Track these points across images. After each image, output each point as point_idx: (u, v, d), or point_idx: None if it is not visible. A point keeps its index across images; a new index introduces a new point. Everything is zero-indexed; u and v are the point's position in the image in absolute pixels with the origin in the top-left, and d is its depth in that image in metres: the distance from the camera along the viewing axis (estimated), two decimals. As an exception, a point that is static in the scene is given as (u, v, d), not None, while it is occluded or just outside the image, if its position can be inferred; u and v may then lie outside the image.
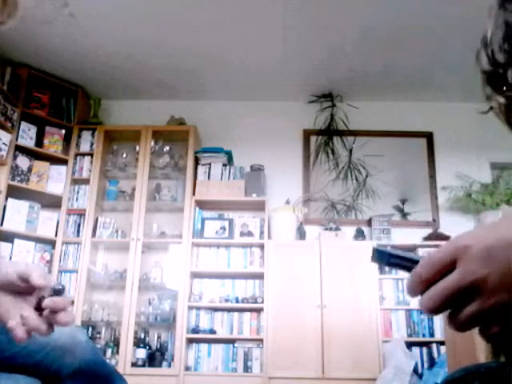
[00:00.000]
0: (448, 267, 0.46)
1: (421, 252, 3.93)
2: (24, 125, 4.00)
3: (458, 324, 0.46)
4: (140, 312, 3.86)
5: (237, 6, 3.38)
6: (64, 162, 4.15)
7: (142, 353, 3.71)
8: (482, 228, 0.46)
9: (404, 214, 4.33)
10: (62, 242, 3.96)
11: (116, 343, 3.78)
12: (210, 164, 4.22)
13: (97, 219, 4.08)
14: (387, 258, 0.53)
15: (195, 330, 3.79)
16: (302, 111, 4.58)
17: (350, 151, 4.49)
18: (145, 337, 3.81)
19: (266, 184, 4.27)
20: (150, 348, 3.79)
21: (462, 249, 0.45)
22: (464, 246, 0.45)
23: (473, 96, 4.51)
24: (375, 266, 3.84)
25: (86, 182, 4.12)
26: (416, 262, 0.49)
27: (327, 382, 3.52)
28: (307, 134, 4.56)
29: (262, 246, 3.95)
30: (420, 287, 0.48)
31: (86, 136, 4.25)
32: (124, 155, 4.25)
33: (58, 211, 4.04)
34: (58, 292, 0.64)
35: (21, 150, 3.96)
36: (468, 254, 0.44)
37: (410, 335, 3.74)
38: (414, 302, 3.84)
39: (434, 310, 0.47)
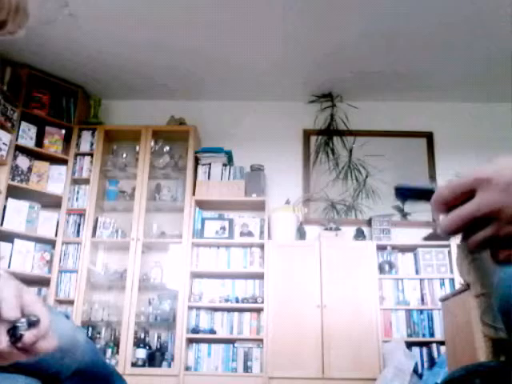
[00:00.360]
0: (467, 194, 0.49)
1: (421, 252, 3.94)
2: (24, 125, 4.00)
3: (471, 244, 0.50)
4: (140, 312, 3.86)
5: (237, 7, 3.38)
6: (64, 161, 4.15)
7: (142, 353, 3.71)
8: (504, 162, 0.48)
9: (404, 214, 4.33)
10: (62, 242, 3.96)
11: (116, 343, 3.78)
12: (210, 164, 4.22)
13: (97, 219, 4.07)
14: (408, 193, 0.59)
15: (195, 330, 3.79)
16: (302, 111, 4.58)
17: (350, 151, 4.49)
18: (145, 337, 3.81)
19: (266, 184, 4.27)
20: (150, 348, 3.78)
21: (483, 180, 0.48)
22: (485, 177, 0.48)
23: (473, 96, 4.53)
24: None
25: (86, 182, 4.12)
26: (434, 191, 0.53)
27: (327, 382, 3.51)
28: (307, 134, 4.56)
29: (262, 246, 3.95)
30: (441, 208, 0.51)
31: (86, 136, 4.25)
32: (124, 155, 4.25)
33: (58, 211, 4.03)
34: (33, 324, 0.60)
35: (21, 150, 3.96)
36: (488, 186, 0.47)
37: (409, 335, 3.74)
38: (414, 302, 3.85)
39: (451, 232, 0.50)
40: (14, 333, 0.60)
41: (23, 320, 0.60)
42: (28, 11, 0.70)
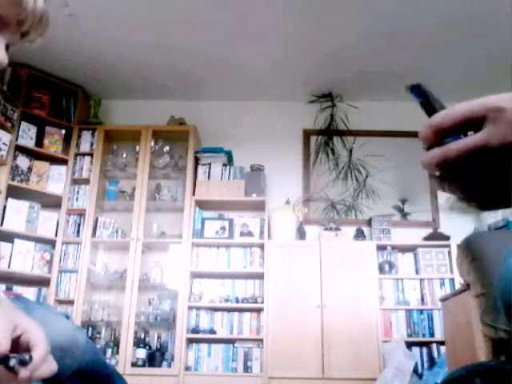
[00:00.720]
0: (470, 122, 0.44)
1: (421, 252, 3.93)
2: (24, 125, 4.00)
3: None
4: (140, 312, 3.86)
5: (237, 7, 3.38)
6: (64, 161, 4.15)
7: (142, 353, 3.71)
8: None
9: (404, 214, 4.33)
10: (62, 242, 3.96)
11: (116, 343, 3.78)
12: (209, 164, 4.22)
13: (97, 219, 4.07)
14: (421, 97, 0.48)
15: (195, 330, 3.79)
16: (302, 111, 4.58)
17: (350, 151, 4.49)
18: (145, 337, 3.81)
19: (266, 184, 4.27)
20: (150, 348, 3.78)
21: (495, 110, 0.43)
22: (498, 107, 0.43)
23: (473, 96, 4.51)
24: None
25: (86, 182, 4.12)
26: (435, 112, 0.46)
27: (327, 382, 3.51)
28: (307, 134, 4.56)
29: (262, 246, 3.95)
30: (432, 137, 0.45)
31: (86, 136, 4.25)
32: (124, 155, 4.25)
33: (58, 211, 4.03)
34: (23, 363, 0.60)
35: (21, 149, 3.96)
36: (501, 117, 0.42)
37: (409, 335, 3.74)
38: (414, 302, 3.85)
39: (441, 164, 0.44)
40: (6, 364, 0.60)
41: (14, 360, 0.60)
42: (49, 21, 0.71)
